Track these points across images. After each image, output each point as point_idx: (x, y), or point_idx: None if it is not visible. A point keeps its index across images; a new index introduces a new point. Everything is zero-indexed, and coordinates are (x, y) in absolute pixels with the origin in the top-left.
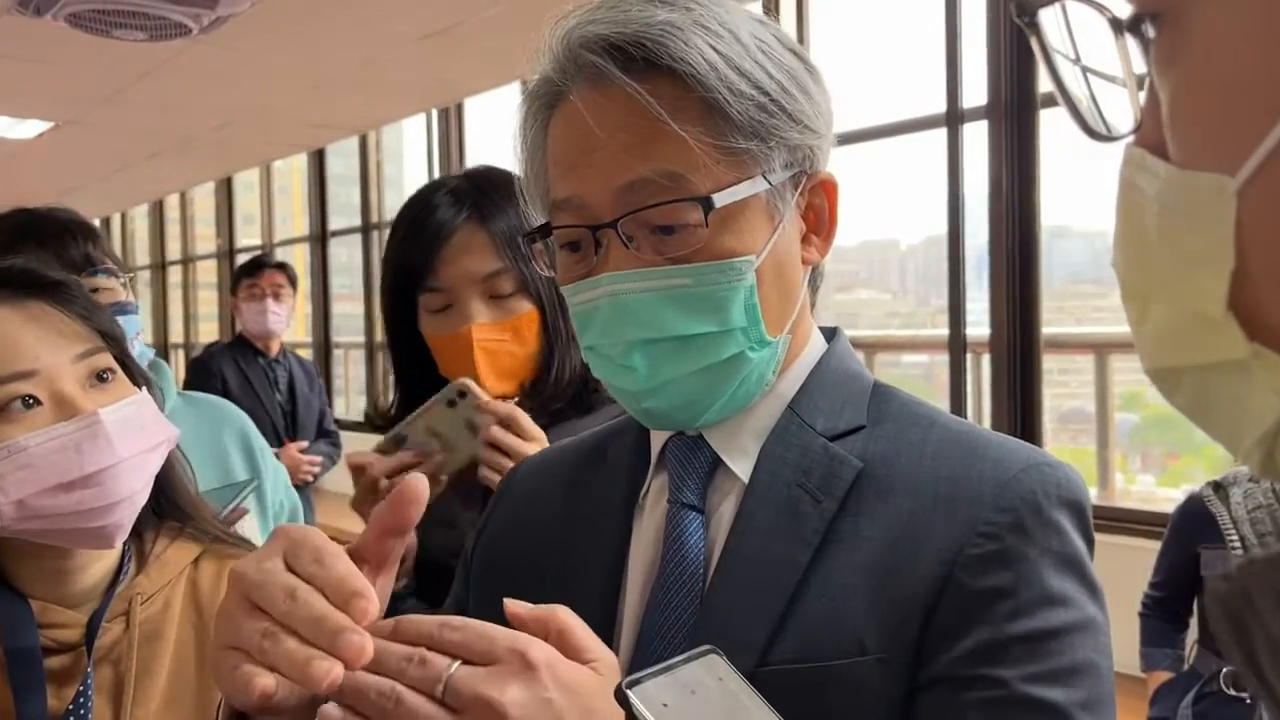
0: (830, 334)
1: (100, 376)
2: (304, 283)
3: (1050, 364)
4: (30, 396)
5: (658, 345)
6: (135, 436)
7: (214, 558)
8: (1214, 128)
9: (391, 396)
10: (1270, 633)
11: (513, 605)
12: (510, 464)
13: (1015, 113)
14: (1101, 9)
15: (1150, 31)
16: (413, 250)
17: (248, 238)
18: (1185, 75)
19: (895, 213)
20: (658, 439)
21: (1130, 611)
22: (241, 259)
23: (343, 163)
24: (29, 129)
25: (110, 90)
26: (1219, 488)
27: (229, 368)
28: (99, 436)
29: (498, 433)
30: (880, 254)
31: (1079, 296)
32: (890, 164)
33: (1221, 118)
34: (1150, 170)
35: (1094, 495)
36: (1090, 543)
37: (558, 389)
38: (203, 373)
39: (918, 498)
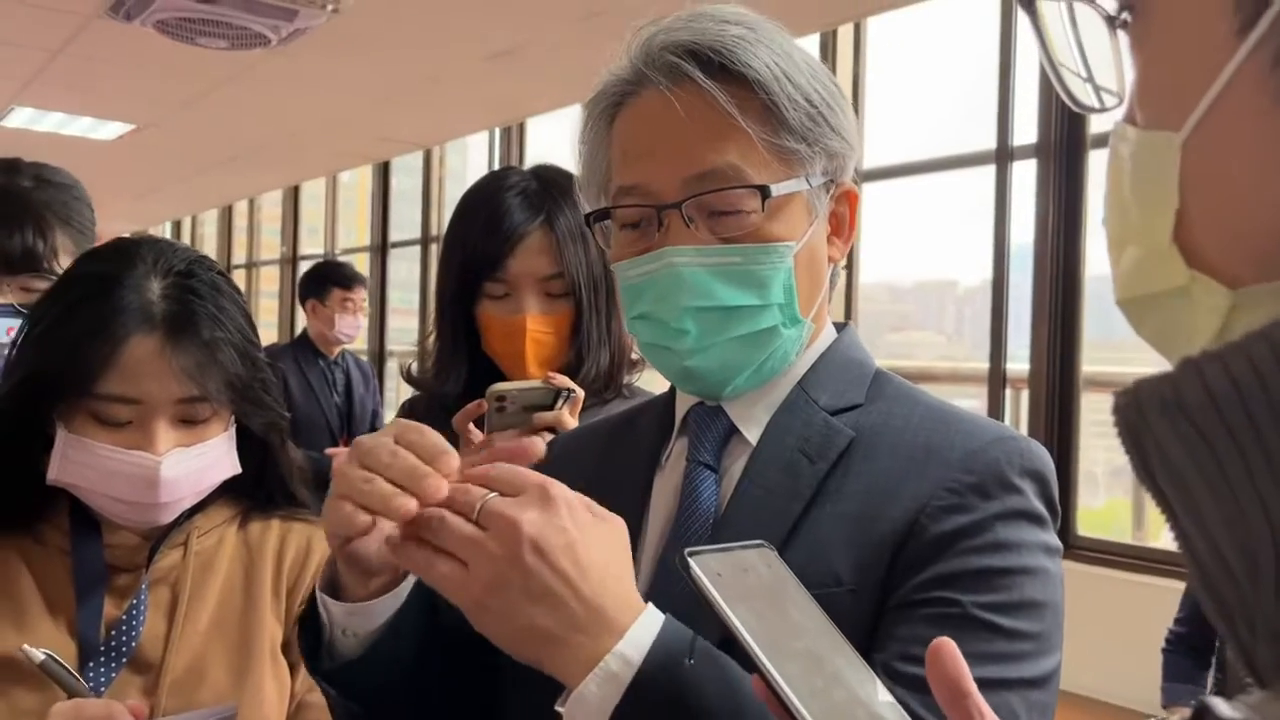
0: (840, 326)
1: (191, 419)
2: None
3: (1101, 414)
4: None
5: (708, 312)
6: (190, 481)
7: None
8: (1167, 95)
9: (428, 361)
10: (1158, 439)
11: None
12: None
13: (1065, 152)
14: (1096, 6)
15: (1128, 18)
16: (487, 244)
17: (311, 246)
18: (1149, 53)
19: (953, 254)
20: (681, 409)
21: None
22: (304, 266)
23: (407, 180)
24: (110, 130)
25: (190, 96)
26: None
27: (290, 368)
28: (148, 481)
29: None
30: (936, 295)
31: (1128, 348)
32: (949, 204)
33: (1172, 86)
34: (1127, 138)
35: (1128, 537)
36: (1053, 511)
37: (584, 384)
38: None
39: (897, 460)
